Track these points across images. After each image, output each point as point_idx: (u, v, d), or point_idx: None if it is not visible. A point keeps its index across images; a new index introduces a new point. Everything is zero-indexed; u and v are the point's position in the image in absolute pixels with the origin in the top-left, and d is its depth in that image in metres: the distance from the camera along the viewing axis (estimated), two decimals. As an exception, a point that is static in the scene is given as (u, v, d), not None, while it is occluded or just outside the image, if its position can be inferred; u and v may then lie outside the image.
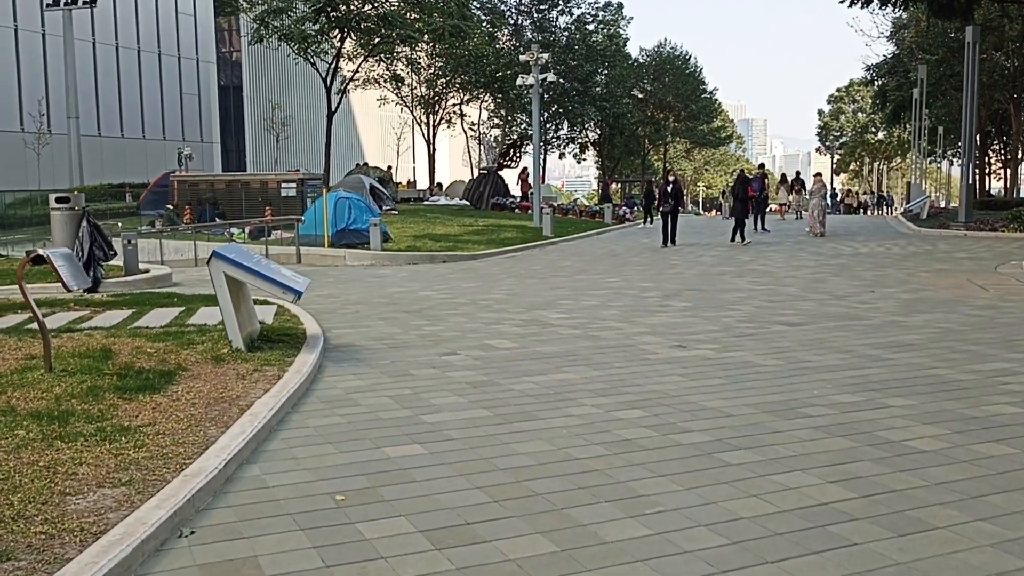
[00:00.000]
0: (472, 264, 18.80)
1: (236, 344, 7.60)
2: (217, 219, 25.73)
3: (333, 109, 38.91)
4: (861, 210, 58.72)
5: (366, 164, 43.35)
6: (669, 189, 22.77)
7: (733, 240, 22.53)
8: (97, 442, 5.00)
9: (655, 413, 6.07)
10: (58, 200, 13.78)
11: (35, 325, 9.28)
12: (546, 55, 27.85)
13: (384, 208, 31.80)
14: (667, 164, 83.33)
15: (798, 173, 42.49)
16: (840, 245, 21.76)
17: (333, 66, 38.45)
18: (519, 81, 28.31)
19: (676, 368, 7.58)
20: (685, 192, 35.10)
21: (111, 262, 14.79)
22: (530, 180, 38.89)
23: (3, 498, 4.14)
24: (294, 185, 25.37)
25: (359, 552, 3.82)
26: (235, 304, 7.67)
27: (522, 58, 27.80)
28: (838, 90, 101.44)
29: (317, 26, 36.94)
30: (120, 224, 19.74)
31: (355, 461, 5.06)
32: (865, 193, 75.17)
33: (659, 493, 4.51)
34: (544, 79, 27.85)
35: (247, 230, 22.89)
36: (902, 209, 70.33)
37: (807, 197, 34.63)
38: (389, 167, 47.14)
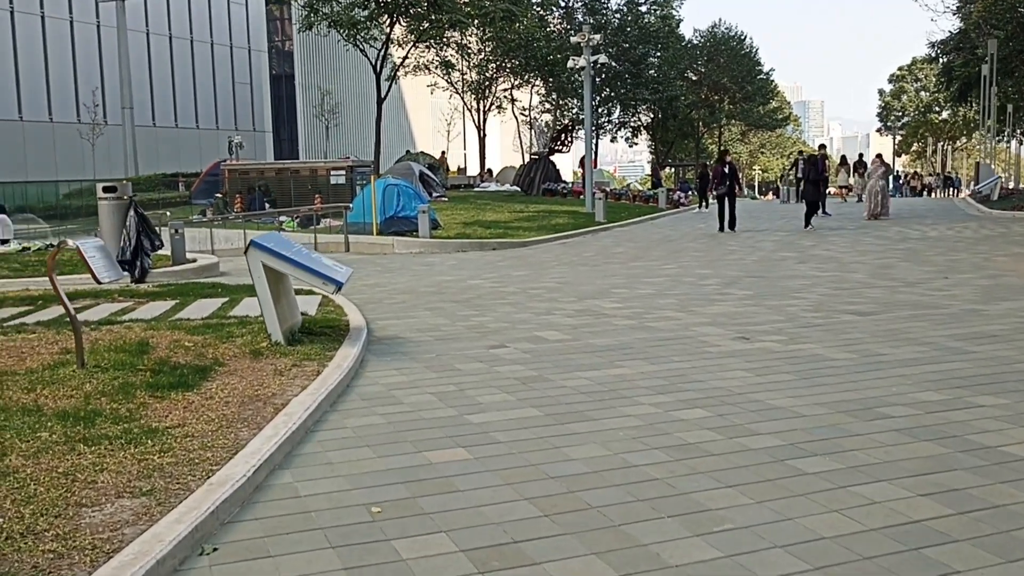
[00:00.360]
0: (522, 251, 18.38)
1: (276, 337, 7.29)
2: (268, 207, 25.68)
3: (383, 96, 38.71)
4: (926, 192, 56.85)
5: (422, 152, 43.10)
6: (725, 170, 21.64)
7: (807, 225, 21.16)
8: (122, 445, 4.70)
9: (719, 413, 5.59)
10: (105, 190, 13.67)
11: (82, 316, 9.13)
12: (597, 36, 27.19)
13: (434, 195, 31.52)
14: (722, 147, 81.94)
15: (861, 155, 41.15)
16: (906, 228, 20.85)
17: (383, 52, 38.24)
18: (570, 63, 27.74)
19: (739, 362, 7.07)
20: (740, 175, 33.84)
21: (159, 252, 14.70)
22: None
23: (15, 510, 3.84)
24: (343, 173, 25.20)
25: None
26: (274, 296, 7.36)
27: (573, 39, 27.19)
28: (900, 69, 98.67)
29: (366, 12, 36.78)
30: (169, 213, 19.71)
31: (394, 467, 4.69)
32: (929, 174, 72.86)
33: (728, 507, 4.05)
34: (596, 61, 27.22)
35: (296, 218, 22.76)
36: (969, 190, 68.08)
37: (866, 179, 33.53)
38: (443, 153, 46.95)
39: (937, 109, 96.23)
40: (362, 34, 37.30)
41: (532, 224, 23.35)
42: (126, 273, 12.90)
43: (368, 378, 6.78)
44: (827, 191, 33.84)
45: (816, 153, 31.09)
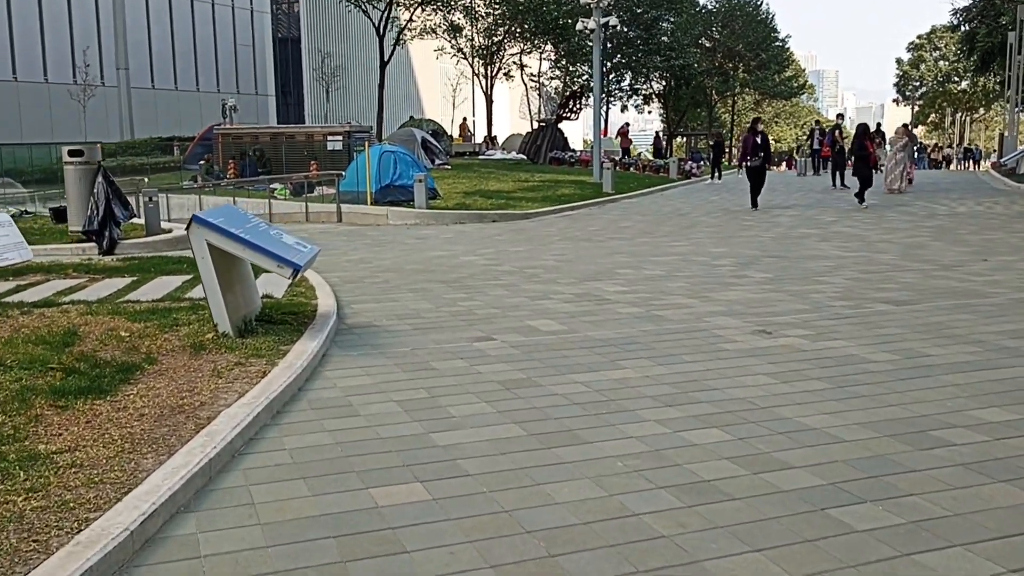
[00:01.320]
0: (524, 224, 17.32)
1: (223, 328, 6.29)
2: (261, 174, 24.62)
3: (386, 60, 37.49)
4: (945, 164, 55.39)
5: (426, 119, 41.88)
6: (757, 140, 19.16)
7: (862, 201, 18.98)
8: (-13, 479, 3.72)
9: (740, 436, 4.59)
10: (71, 153, 12.63)
11: (20, 296, 8.16)
12: (608, -3, 25.91)
13: (437, 162, 30.42)
14: (735, 116, 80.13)
15: (879, 124, 39.78)
16: (932, 204, 19.69)
17: (386, 14, 36.96)
18: (579, 25, 26.45)
19: (761, 364, 6.05)
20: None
21: (133, 221, 13.74)
22: (629, 135, 37.17)
23: None
24: (340, 138, 24.08)
25: None
26: (224, 280, 6.36)
27: (583, 0, 25.89)
28: (919, 37, 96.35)
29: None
30: (147, 180, 18.68)
31: (329, 511, 3.70)
32: (948, 146, 71.22)
33: (756, 587, 3.06)
34: (606, 23, 25.94)
35: (289, 185, 21.71)
36: (990, 163, 66.39)
37: (887, 149, 32.30)
38: (464, 120, 45.69)
39: (956, 79, 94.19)
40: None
41: (536, 195, 22.25)
42: (97, 245, 11.94)
43: (326, 379, 5.79)
44: (847, 162, 32.70)
45: (822, 125, 30.15)
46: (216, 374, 5.44)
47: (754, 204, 19.26)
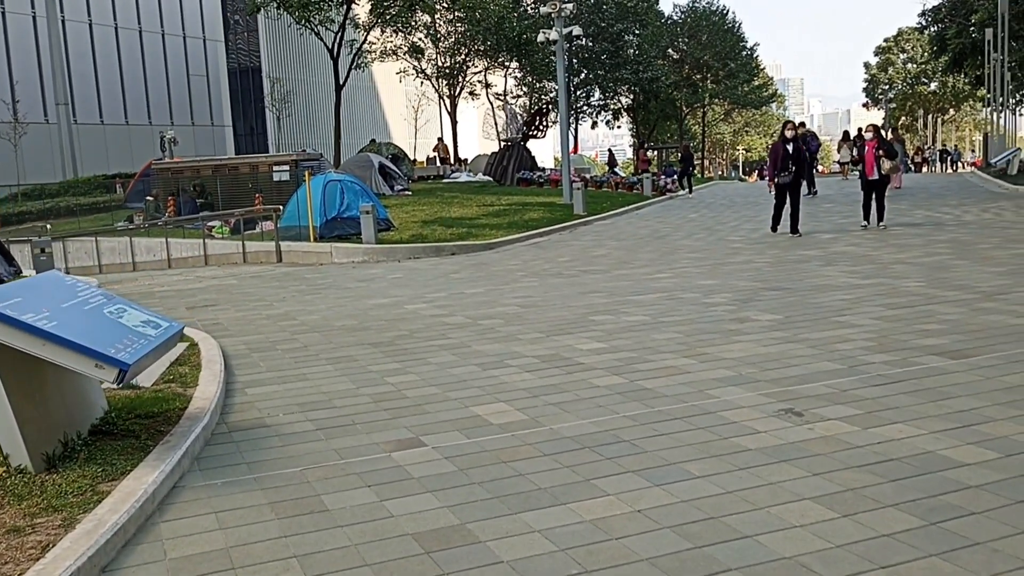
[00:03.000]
0: (486, 257, 15.41)
1: (17, 460, 4.32)
2: (202, 209, 22.62)
3: (341, 83, 35.64)
4: (925, 166, 54.22)
5: (385, 142, 39.94)
6: (790, 149, 14.71)
7: (867, 221, 15.57)
8: None
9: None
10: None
11: None
12: (569, 5, 24.18)
13: (396, 188, 28.54)
14: (705, 128, 78.91)
15: (860, 129, 38.35)
16: (933, 212, 18.03)
17: (339, 36, 35.15)
18: (540, 37, 24.71)
19: (801, 477, 4.17)
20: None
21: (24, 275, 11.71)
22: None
23: None
24: (287, 168, 22.13)
25: None
26: (24, 387, 4.40)
27: (543, 9, 24.19)
28: (886, 40, 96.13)
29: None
30: (49, 226, 16.67)
31: None
32: (928, 147, 70.30)
33: None
34: (569, 33, 24.22)
35: (228, 223, 19.71)
36: (968, 163, 65.44)
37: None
38: (440, 139, 43.83)
39: (925, 81, 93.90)
40: (315, 15, 34.21)
41: (502, 220, 20.39)
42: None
43: (152, 544, 3.83)
44: (816, 168, 31.31)
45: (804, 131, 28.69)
46: (-33, 555, 3.48)
47: (775, 227, 15.48)
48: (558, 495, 4.12)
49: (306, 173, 17.02)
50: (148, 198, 23.56)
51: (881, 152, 14.75)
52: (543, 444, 4.87)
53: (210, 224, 19.75)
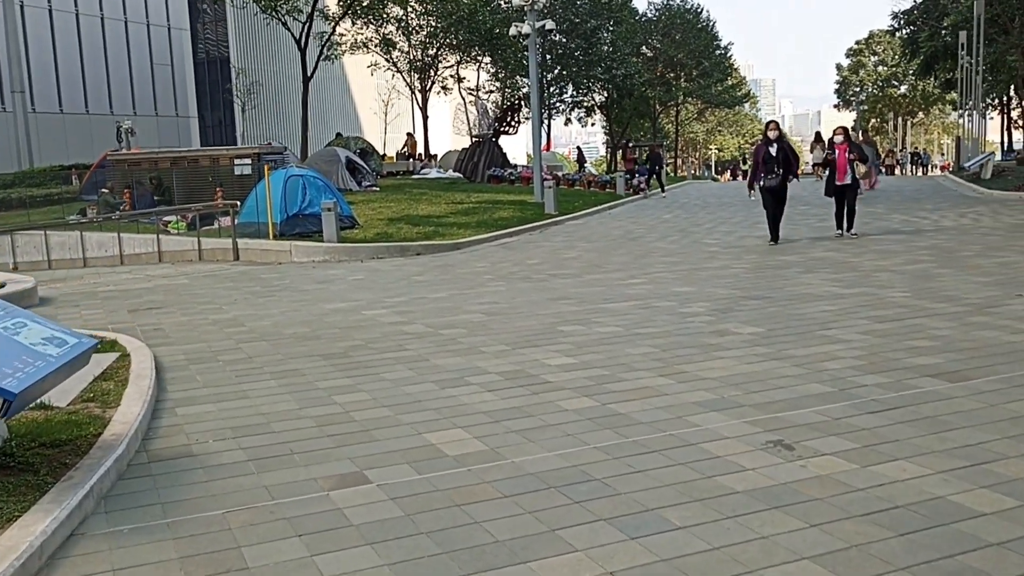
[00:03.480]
0: (452, 257, 14.80)
1: None
2: (159, 203, 21.79)
3: (309, 75, 34.84)
4: (897, 168, 54.31)
5: (353, 136, 39.13)
6: (773, 151, 13.62)
7: (840, 229, 14.66)
8: None
9: None
10: None
11: None
12: (543, -2, 23.64)
13: (364, 184, 27.83)
14: (679, 127, 78.73)
15: (835, 131, 38.12)
16: (910, 216, 17.68)
17: (307, 27, 34.32)
18: (512, 30, 24.11)
19: (795, 524, 3.63)
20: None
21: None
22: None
23: None
24: (249, 161, 21.34)
25: None
26: None
27: (516, 2, 23.59)
28: (858, 43, 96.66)
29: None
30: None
31: None
32: (900, 150, 70.64)
33: None
34: (542, 26, 23.64)
35: (186, 218, 18.92)
36: (938, 166, 65.63)
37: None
38: (410, 135, 43.05)
39: (895, 83, 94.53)
40: (283, 5, 33.39)
41: (470, 219, 19.78)
42: None
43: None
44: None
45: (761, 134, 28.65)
46: None
47: (775, 238, 14.04)
48: (517, 550, 3.54)
49: (266, 167, 16.30)
50: (103, 190, 22.66)
51: (853, 156, 14.14)
52: (503, 483, 4.29)
53: (165, 219, 18.96)
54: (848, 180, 14.13)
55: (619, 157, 49.95)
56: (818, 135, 36.93)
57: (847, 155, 14.18)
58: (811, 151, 37.84)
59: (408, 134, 43.86)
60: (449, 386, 6.16)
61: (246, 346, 7.84)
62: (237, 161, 21.63)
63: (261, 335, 8.33)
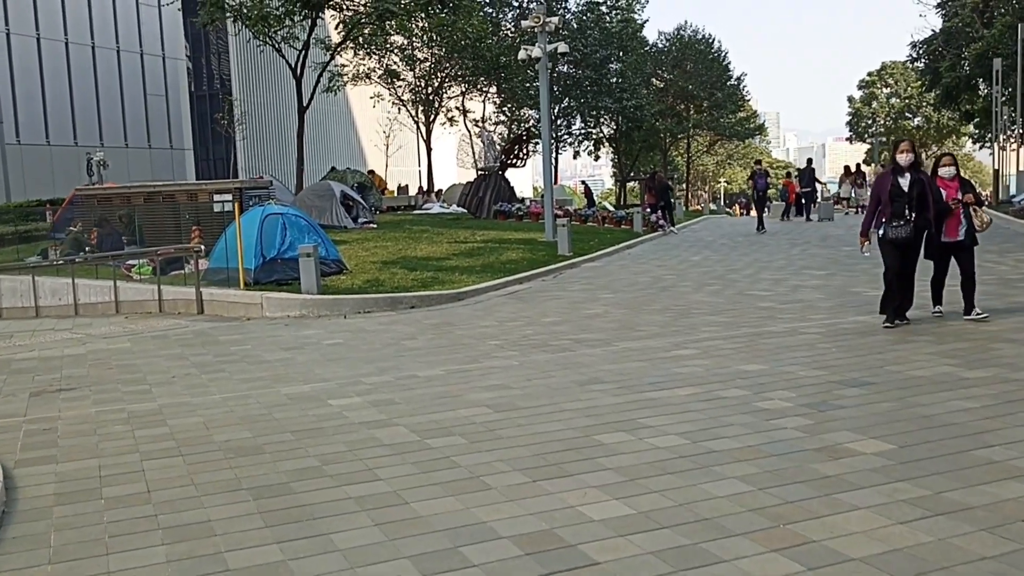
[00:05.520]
0: (453, 312, 12.48)
1: None
2: (130, 244, 19.56)
3: (305, 104, 32.81)
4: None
5: (348, 169, 37.00)
6: (905, 184, 9.01)
7: (939, 305, 9.79)
8: None
9: None
10: None
11: None
12: (554, 19, 21.55)
13: (360, 221, 25.64)
14: (690, 159, 76.66)
15: (859, 164, 36.00)
16: (986, 262, 15.32)
17: (303, 55, 32.37)
18: (521, 54, 22.01)
19: None
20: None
21: None
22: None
23: None
24: (229, 197, 19.10)
25: None
26: None
27: (525, 23, 21.57)
28: (869, 74, 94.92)
29: (282, 7, 30.87)
30: None
31: None
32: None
33: None
34: (555, 50, 21.52)
35: (151, 262, 16.62)
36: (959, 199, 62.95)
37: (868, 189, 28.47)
38: (372, 172, 40.99)
39: (908, 115, 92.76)
40: (276, 32, 31.43)
41: (475, 261, 17.51)
42: None
43: None
44: (767, 205, 29.20)
45: (757, 166, 26.97)
46: None
47: (893, 314, 9.28)
48: None
49: (234, 207, 14.06)
50: (70, 228, 20.48)
51: (966, 199, 9.12)
52: None
53: (129, 263, 16.71)
54: (962, 235, 9.20)
55: (637, 190, 47.63)
56: (847, 168, 34.84)
57: (956, 197, 9.11)
58: (839, 185, 35.71)
59: (371, 171, 41.78)
60: (432, 571, 3.82)
61: (152, 466, 5.52)
62: (216, 197, 19.35)
63: (180, 444, 6.01)
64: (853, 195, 33.43)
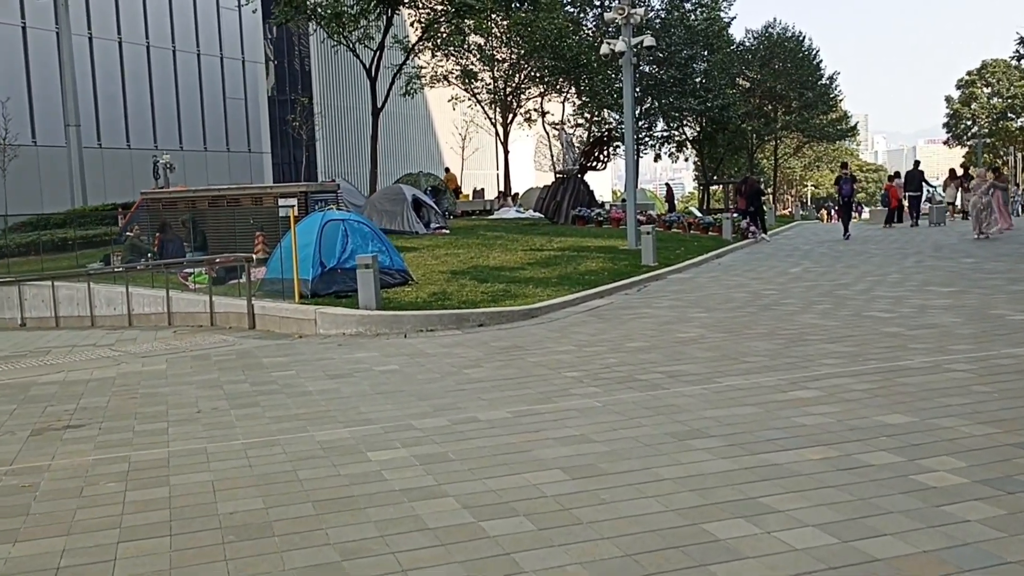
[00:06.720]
0: (525, 332, 11.11)
1: None
2: (195, 250, 18.81)
3: (380, 106, 31.96)
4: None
5: (422, 172, 36.06)
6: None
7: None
8: None
9: None
10: None
11: None
12: (639, 11, 20.03)
13: (432, 227, 24.56)
14: (777, 162, 73.75)
15: (965, 167, 33.43)
16: None
17: (377, 56, 31.54)
18: (604, 48, 20.55)
19: None
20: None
21: None
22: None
23: None
24: (294, 202, 18.18)
25: None
26: None
27: (608, 16, 20.11)
28: (969, 73, 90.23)
29: (356, 5, 30.08)
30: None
31: None
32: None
33: None
34: (640, 43, 20.00)
35: (211, 270, 15.70)
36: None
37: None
38: (447, 170, 39.96)
39: (1012, 116, 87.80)
40: (351, 31, 30.65)
41: (551, 272, 16.13)
42: None
43: None
44: (853, 213, 27.08)
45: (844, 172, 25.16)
46: None
47: None
48: None
49: (291, 213, 12.97)
50: (127, 233, 19.87)
51: None
52: None
53: (187, 271, 15.85)
54: None
55: (720, 193, 45.79)
56: (952, 172, 32.35)
57: None
58: (944, 189, 33.21)
59: (446, 169, 40.72)
60: None
61: (127, 552, 4.28)
62: (281, 201, 18.49)
63: (174, 518, 4.77)
64: (959, 200, 31.01)
